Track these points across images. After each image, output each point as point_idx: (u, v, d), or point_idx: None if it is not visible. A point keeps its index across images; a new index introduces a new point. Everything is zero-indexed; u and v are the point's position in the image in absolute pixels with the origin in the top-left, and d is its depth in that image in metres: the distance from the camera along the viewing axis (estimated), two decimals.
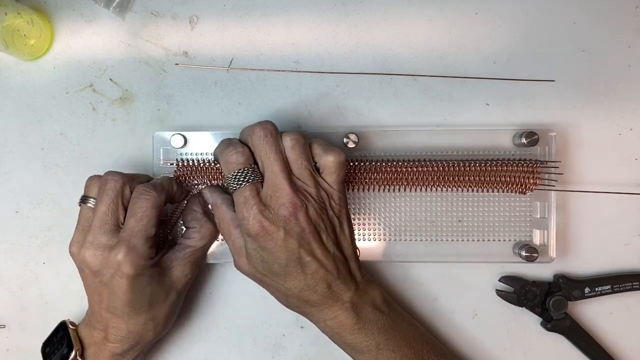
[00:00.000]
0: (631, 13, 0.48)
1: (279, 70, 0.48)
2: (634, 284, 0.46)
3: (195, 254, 0.43)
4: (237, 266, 0.42)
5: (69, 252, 0.40)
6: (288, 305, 0.41)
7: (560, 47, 0.48)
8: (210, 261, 0.46)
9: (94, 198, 0.41)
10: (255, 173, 0.39)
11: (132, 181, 0.41)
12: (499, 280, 0.47)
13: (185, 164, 0.44)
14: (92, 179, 0.42)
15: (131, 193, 0.41)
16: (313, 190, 0.39)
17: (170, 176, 0.44)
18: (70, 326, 0.42)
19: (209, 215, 0.44)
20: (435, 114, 0.48)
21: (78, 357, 0.40)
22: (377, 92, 0.48)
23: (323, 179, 0.40)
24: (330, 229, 0.40)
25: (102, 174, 0.42)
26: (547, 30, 0.48)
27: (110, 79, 0.48)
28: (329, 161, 0.40)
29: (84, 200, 0.41)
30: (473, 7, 0.48)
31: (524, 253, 0.45)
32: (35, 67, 0.48)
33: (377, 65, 0.48)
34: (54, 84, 0.48)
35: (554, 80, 0.47)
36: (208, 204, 0.43)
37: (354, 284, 0.41)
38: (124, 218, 0.40)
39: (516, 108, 0.48)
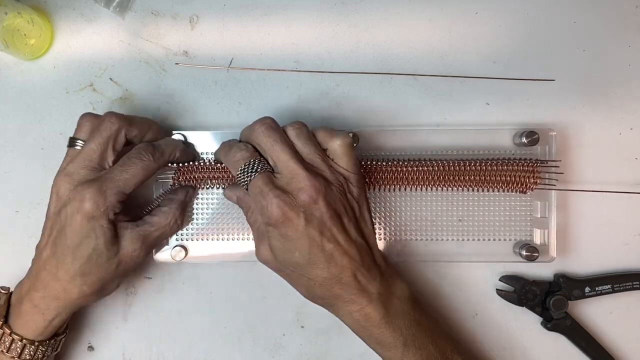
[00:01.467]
0: (631, 13, 0.48)
1: (279, 70, 0.48)
2: (634, 283, 0.46)
3: (151, 235, 0.42)
4: (258, 254, 0.41)
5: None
6: (312, 297, 0.40)
7: (560, 46, 0.48)
8: (211, 261, 0.46)
9: (83, 141, 0.40)
10: (262, 163, 0.39)
11: (130, 125, 0.40)
12: (500, 280, 0.47)
13: (186, 164, 0.44)
14: (85, 117, 0.41)
15: (126, 138, 0.40)
16: (329, 174, 0.38)
17: (177, 140, 0.43)
18: (2, 290, 0.42)
19: (183, 209, 0.44)
20: (435, 113, 0.48)
21: None
22: (377, 92, 0.48)
23: (336, 164, 0.39)
24: (351, 213, 0.39)
25: None
26: (547, 30, 0.48)
27: (111, 79, 0.48)
28: (337, 145, 0.39)
29: (71, 143, 0.41)
30: (473, 6, 0.48)
31: (524, 252, 0.45)
32: (35, 67, 0.48)
33: (377, 65, 0.48)
34: (54, 83, 0.48)
35: (554, 80, 0.47)
36: (233, 201, 0.43)
37: (379, 274, 0.39)
38: (111, 163, 0.40)
39: (516, 108, 0.48)
